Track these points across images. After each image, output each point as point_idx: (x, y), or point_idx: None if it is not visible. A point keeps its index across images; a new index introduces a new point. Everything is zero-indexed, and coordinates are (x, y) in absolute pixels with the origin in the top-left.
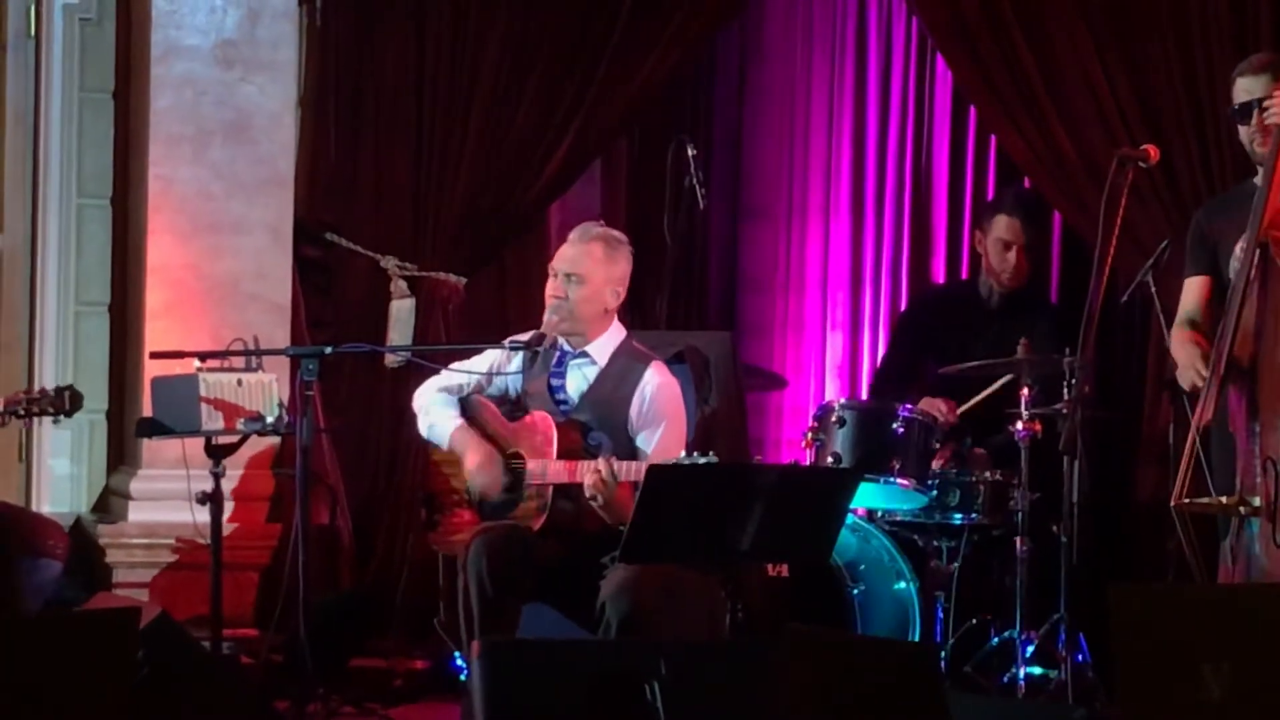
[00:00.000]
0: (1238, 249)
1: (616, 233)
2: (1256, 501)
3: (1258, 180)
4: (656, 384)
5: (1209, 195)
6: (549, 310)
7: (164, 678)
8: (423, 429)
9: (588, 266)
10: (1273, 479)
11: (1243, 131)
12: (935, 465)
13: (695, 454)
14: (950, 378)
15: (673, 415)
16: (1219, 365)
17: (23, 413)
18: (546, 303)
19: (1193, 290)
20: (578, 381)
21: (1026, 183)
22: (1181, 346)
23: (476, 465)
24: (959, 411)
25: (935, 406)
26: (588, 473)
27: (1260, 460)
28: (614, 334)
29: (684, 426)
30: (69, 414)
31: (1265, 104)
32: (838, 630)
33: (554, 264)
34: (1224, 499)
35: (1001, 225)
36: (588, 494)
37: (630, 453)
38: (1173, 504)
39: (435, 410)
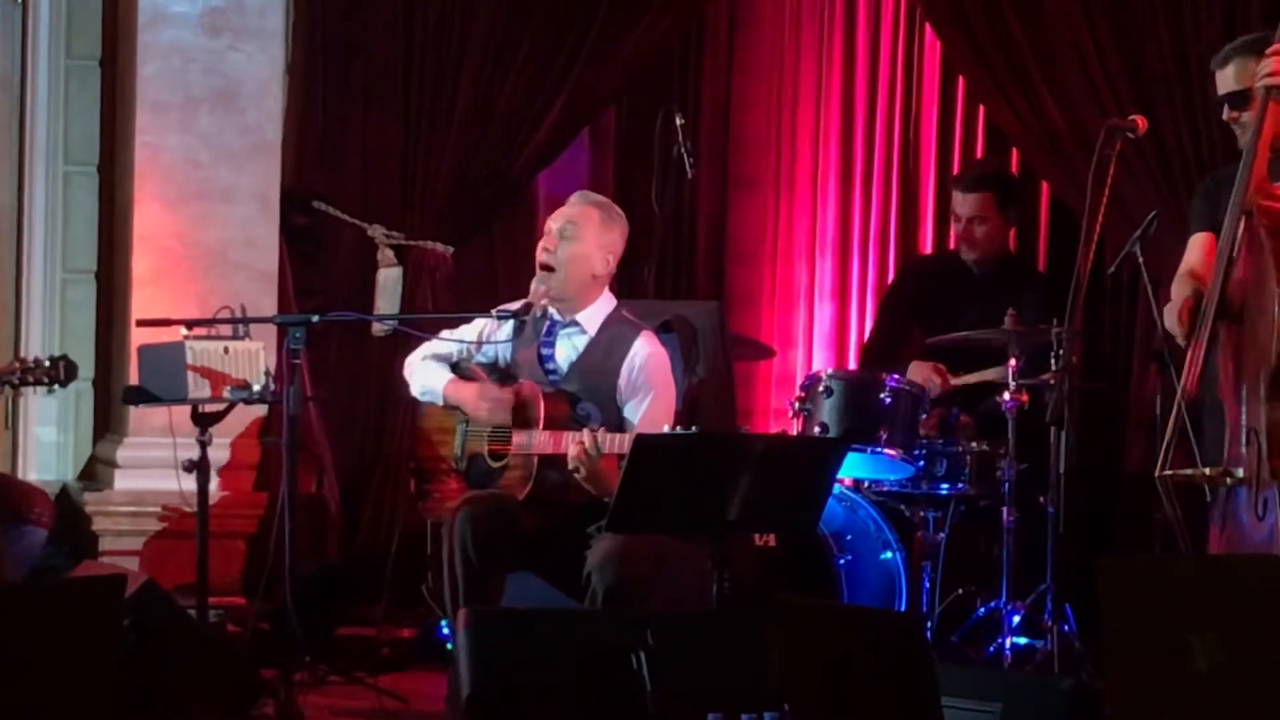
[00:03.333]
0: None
1: (615, 206)
2: (1240, 472)
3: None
4: (646, 354)
5: (1197, 166)
6: (536, 280)
7: (150, 646)
8: (415, 390)
9: (583, 226)
10: (1255, 450)
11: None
12: (922, 432)
13: (678, 428)
14: (938, 348)
15: (661, 386)
16: (1202, 337)
17: (17, 382)
18: (537, 263)
19: (1197, 244)
20: (567, 351)
21: (1014, 153)
22: (1179, 287)
23: (476, 397)
24: (952, 385)
25: (927, 374)
26: (571, 443)
27: (1245, 430)
28: (604, 303)
29: (672, 398)
30: (64, 384)
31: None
32: (824, 600)
33: (549, 222)
34: (1208, 470)
35: (954, 200)
36: (570, 465)
37: (619, 423)
38: (1157, 474)
39: (426, 371)
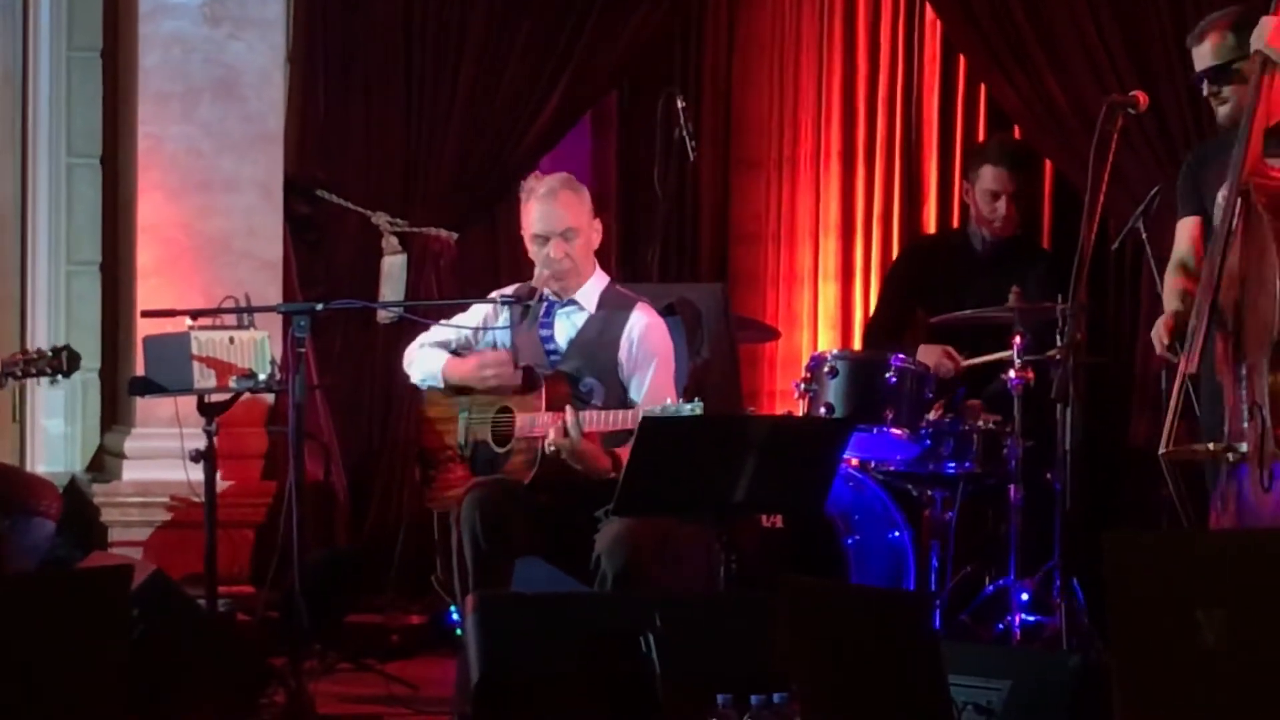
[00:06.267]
0: (1220, 195)
1: (566, 175)
2: (1243, 448)
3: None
4: (644, 324)
5: (1199, 141)
6: (547, 273)
7: (159, 636)
8: (415, 378)
9: (572, 217)
10: (1259, 424)
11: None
12: (930, 415)
13: (682, 401)
14: (943, 327)
15: (662, 355)
16: (1204, 314)
17: (20, 374)
18: (541, 266)
19: (1184, 231)
20: (566, 329)
21: (1016, 131)
22: (1169, 298)
23: (477, 368)
24: (964, 366)
25: (938, 358)
26: (550, 426)
27: (1247, 405)
28: (598, 279)
29: (673, 365)
30: (67, 374)
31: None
32: (832, 580)
33: (536, 230)
34: (1211, 446)
35: (988, 176)
36: (549, 448)
37: (623, 396)
38: (1160, 452)
39: (425, 358)
